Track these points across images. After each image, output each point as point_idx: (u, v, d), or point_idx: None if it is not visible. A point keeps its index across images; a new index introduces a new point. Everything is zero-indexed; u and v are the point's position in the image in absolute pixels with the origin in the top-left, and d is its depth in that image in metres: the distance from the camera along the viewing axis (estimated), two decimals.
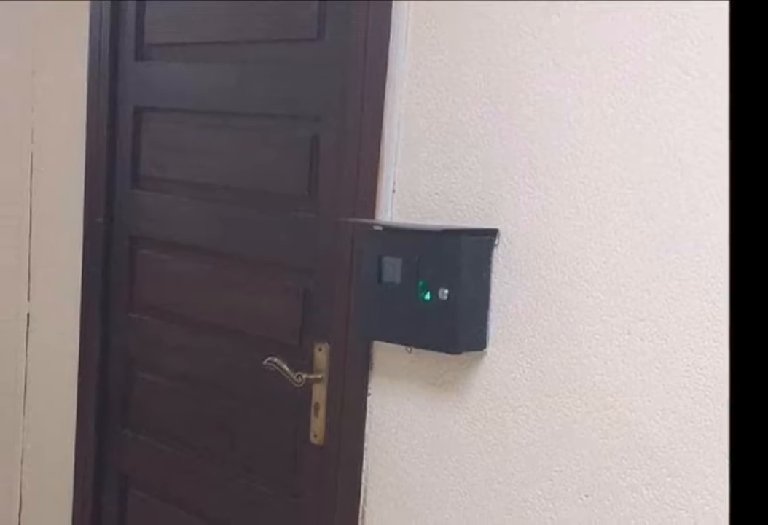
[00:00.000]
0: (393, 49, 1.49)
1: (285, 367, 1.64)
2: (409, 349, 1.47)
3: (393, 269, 1.42)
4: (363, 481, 1.56)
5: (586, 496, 1.30)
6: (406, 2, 1.48)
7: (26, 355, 2.30)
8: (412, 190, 1.49)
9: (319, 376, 1.62)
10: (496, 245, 1.38)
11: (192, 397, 1.91)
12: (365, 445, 1.56)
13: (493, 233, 1.38)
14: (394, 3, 1.49)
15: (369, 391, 1.55)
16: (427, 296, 1.39)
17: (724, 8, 1.14)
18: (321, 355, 1.62)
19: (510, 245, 1.37)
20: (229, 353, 1.84)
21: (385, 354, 1.53)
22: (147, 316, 2.00)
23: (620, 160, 1.26)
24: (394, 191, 1.51)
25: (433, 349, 1.41)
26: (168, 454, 1.96)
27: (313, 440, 1.64)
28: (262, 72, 1.76)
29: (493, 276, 1.38)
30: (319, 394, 1.62)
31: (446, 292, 1.37)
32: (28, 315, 2.29)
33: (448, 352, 1.39)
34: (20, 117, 2.23)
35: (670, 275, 1.22)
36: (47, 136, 2.24)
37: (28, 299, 2.29)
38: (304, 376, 1.62)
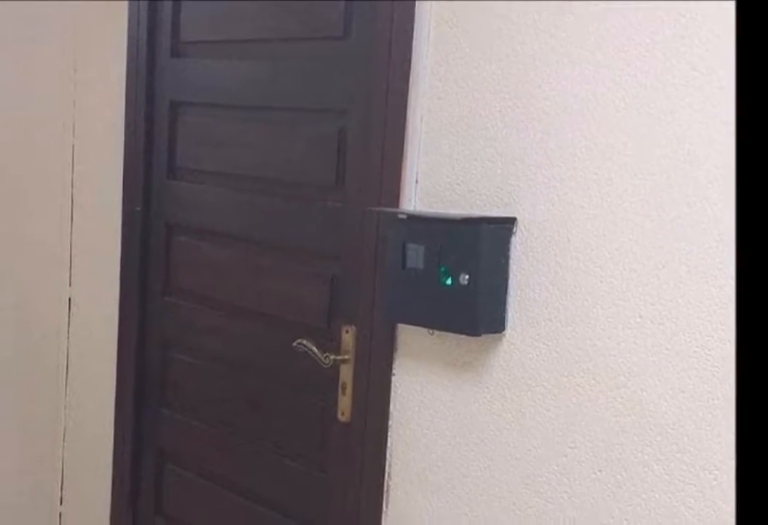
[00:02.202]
0: (416, 47, 1.51)
1: (314, 348, 1.67)
2: (431, 331, 1.49)
3: (416, 255, 1.44)
4: (387, 456, 1.59)
5: (600, 471, 1.33)
6: (428, 2, 1.50)
7: (68, 338, 2.32)
8: (434, 181, 1.51)
9: (346, 357, 1.65)
10: (514, 233, 1.40)
11: (225, 378, 1.94)
12: (390, 422, 1.58)
13: (511, 221, 1.40)
14: (417, 3, 1.51)
15: (393, 372, 1.58)
16: (449, 281, 1.41)
17: (731, 8, 1.16)
18: (348, 337, 1.65)
19: (527, 233, 1.39)
20: (260, 335, 1.86)
21: (409, 336, 1.55)
22: (182, 300, 2.02)
23: (632, 152, 1.28)
24: (417, 181, 1.53)
25: (454, 331, 1.44)
26: (203, 432, 1.99)
27: (341, 418, 1.67)
28: (292, 68, 1.78)
29: (511, 262, 1.40)
30: (346, 374, 1.65)
31: (467, 277, 1.39)
32: (69, 299, 2.31)
33: (468, 334, 1.42)
34: (62, 111, 2.25)
35: (680, 261, 1.24)
36: (88, 129, 2.25)
37: (70, 284, 2.31)
38: (332, 357, 1.65)
